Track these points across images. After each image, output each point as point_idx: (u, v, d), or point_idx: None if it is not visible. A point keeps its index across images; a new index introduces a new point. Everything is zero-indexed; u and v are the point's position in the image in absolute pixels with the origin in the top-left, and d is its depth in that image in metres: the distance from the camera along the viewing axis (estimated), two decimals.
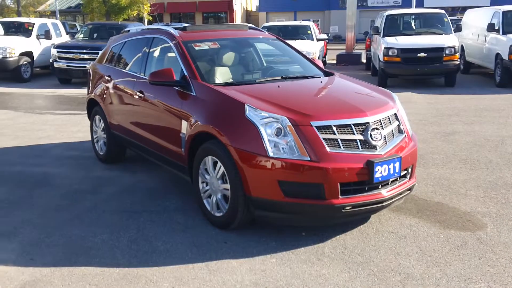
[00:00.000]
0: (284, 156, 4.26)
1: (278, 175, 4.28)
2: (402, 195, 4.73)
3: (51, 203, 5.65)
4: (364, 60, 22.34)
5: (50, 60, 16.92)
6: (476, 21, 17.24)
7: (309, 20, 24.71)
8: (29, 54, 17.74)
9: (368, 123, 4.49)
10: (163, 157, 5.75)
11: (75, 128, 9.68)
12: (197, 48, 5.86)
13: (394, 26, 16.24)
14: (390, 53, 14.48)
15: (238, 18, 52.09)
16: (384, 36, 15.50)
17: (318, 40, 18.19)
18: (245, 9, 57.38)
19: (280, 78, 5.76)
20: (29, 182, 6.41)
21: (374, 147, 4.44)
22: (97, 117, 7.32)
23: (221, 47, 6.18)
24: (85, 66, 14.93)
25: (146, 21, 35.79)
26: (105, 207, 5.49)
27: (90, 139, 7.72)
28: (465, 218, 4.97)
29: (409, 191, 4.87)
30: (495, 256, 4.20)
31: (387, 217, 5.00)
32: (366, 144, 4.43)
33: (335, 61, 23.27)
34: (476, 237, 4.54)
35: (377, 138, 4.46)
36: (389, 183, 4.54)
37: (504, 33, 14.46)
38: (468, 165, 6.75)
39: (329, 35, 41.59)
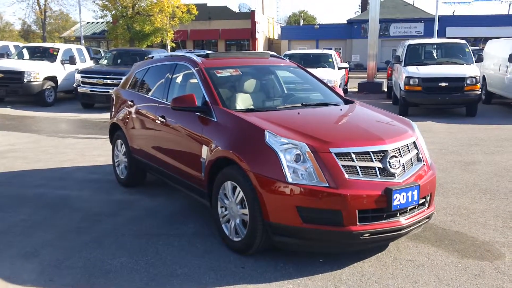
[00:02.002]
0: (302, 182, 4.29)
1: (296, 201, 4.30)
2: (420, 223, 4.72)
3: (72, 225, 5.72)
4: (385, 89, 22.34)
5: (74, 85, 17.20)
6: (497, 51, 17.21)
7: (330, 49, 24.90)
8: (53, 78, 18.09)
9: (387, 150, 4.51)
10: (183, 182, 5.80)
11: (96, 152, 9.80)
12: (219, 75, 5.94)
13: (416, 56, 16.27)
14: (411, 82, 14.49)
15: (260, 46, 52.53)
16: (405, 65, 15.54)
17: (339, 68, 18.28)
18: (268, 37, 57.86)
19: (300, 105, 5.82)
20: (50, 204, 6.50)
21: (393, 175, 4.45)
22: (119, 141, 7.43)
23: (242, 74, 6.25)
24: (108, 91, 15.16)
25: (169, 47, 36.28)
26: (125, 231, 5.54)
27: (111, 163, 7.83)
28: (483, 248, 4.94)
29: (427, 220, 4.86)
30: None
31: (405, 245, 4.99)
32: (385, 171, 4.44)
33: (356, 90, 23.32)
34: (494, 267, 4.51)
35: (395, 166, 4.48)
36: (408, 211, 4.53)
37: None
38: (487, 195, 6.71)
39: (351, 63, 41.81)
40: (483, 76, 17.51)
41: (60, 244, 5.14)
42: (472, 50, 16.64)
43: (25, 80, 17.00)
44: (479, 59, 16.29)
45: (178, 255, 4.83)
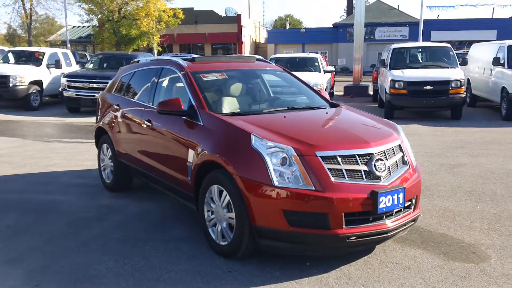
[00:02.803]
0: (289, 186, 4.30)
1: (283, 205, 4.30)
2: (406, 226, 4.74)
3: (57, 230, 5.68)
4: (371, 92, 22.47)
5: (60, 89, 17.10)
6: (482, 55, 17.39)
7: (317, 52, 25.00)
8: (38, 82, 18.01)
9: (373, 153, 4.54)
10: (170, 186, 5.79)
11: (82, 156, 9.75)
12: (205, 79, 5.95)
13: (401, 59, 16.39)
14: (396, 85, 14.59)
15: (247, 50, 52.55)
16: (390, 69, 15.63)
17: (325, 72, 18.36)
18: (254, 40, 57.91)
19: (286, 108, 5.84)
20: (36, 209, 6.46)
21: (378, 178, 4.47)
22: (104, 145, 7.40)
23: (228, 78, 6.27)
24: (94, 95, 15.15)
25: (155, 51, 36.17)
26: (111, 235, 5.52)
27: (97, 167, 7.79)
28: (469, 250, 4.97)
29: (413, 222, 4.89)
30: None
31: (392, 248, 5.01)
32: (371, 174, 4.46)
33: (342, 93, 23.43)
34: (480, 269, 4.54)
35: (381, 169, 4.50)
36: (393, 214, 4.56)
37: (509, 67, 14.59)
38: (473, 197, 6.76)
39: (337, 67, 41.96)
40: (468, 79, 17.65)
41: (46, 249, 5.10)
42: (456, 53, 16.79)
43: (11, 84, 16.92)
44: (464, 63, 16.41)
45: (165, 260, 4.82)
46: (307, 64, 18.40)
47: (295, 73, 7.23)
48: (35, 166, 8.93)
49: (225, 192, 4.68)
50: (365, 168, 4.47)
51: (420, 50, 17.36)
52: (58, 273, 4.57)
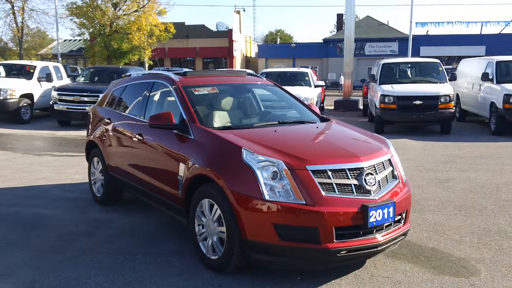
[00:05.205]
0: (279, 200, 4.30)
1: (273, 219, 4.30)
2: (396, 240, 4.75)
3: (47, 245, 5.64)
4: (361, 107, 22.58)
5: (51, 102, 17.06)
6: (470, 70, 17.54)
7: (307, 67, 25.11)
8: (29, 96, 17.97)
9: (363, 168, 4.56)
10: (160, 199, 5.78)
11: (73, 169, 9.72)
12: (196, 93, 5.97)
13: (390, 74, 16.50)
14: (386, 100, 14.69)
15: (238, 64, 52.70)
16: (380, 83, 15.74)
17: (316, 86, 18.42)
18: (245, 55, 58.10)
19: (277, 123, 5.86)
20: (25, 223, 6.41)
21: (369, 192, 4.49)
22: (95, 159, 7.38)
23: (220, 92, 6.29)
24: (85, 109, 15.16)
25: (147, 65, 36.17)
26: (101, 249, 5.49)
27: (87, 181, 7.76)
28: (459, 264, 4.99)
29: (403, 236, 4.90)
30: None
31: (382, 262, 5.02)
32: (361, 188, 4.48)
33: (333, 107, 23.53)
34: (470, 283, 4.55)
35: (371, 183, 4.52)
36: (384, 228, 4.57)
37: (498, 82, 14.73)
38: (463, 211, 6.79)
39: (327, 81, 42.10)
40: (457, 94, 17.81)
41: (35, 264, 5.07)
42: (445, 68, 16.92)
43: (1, 98, 16.92)
44: (453, 78, 16.58)
45: (155, 274, 4.80)
46: (298, 79, 18.45)
47: (285, 87, 7.27)
48: (24, 179, 8.89)
49: (216, 206, 4.68)
50: (355, 182, 4.49)
51: (409, 65, 17.50)
52: (47, 287, 4.53)
